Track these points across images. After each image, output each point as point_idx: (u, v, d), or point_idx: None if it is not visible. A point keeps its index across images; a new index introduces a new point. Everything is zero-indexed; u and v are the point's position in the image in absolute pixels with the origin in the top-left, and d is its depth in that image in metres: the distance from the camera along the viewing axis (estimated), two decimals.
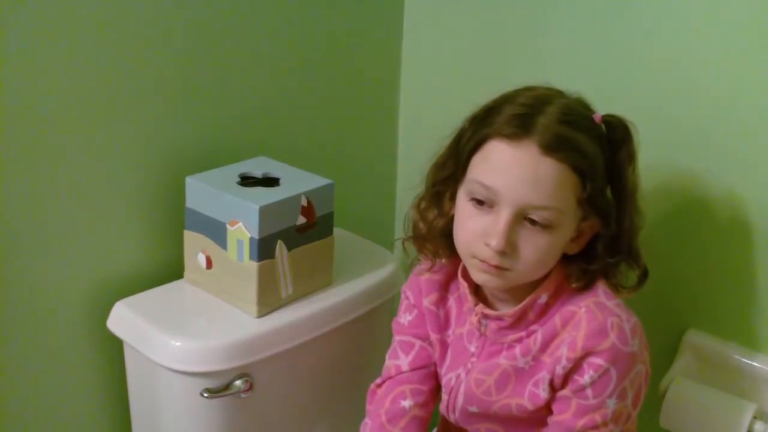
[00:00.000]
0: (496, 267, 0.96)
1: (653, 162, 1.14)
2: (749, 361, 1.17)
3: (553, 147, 0.92)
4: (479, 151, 0.97)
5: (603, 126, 0.99)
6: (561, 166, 0.93)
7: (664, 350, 1.23)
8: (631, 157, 0.99)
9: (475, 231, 0.97)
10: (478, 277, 0.99)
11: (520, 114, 0.94)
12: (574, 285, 1.00)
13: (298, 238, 1.18)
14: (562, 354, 0.97)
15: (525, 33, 1.33)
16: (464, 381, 1.05)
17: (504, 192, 0.94)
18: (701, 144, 1.17)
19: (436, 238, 1.06)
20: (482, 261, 0.96)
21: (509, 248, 0.94)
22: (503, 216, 0.94)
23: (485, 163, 0.96)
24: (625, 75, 1.22)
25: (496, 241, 0.94)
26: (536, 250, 0.95)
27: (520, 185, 0.93)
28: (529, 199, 0.93)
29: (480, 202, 0.96)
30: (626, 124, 1.00)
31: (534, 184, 0.93)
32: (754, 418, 1.13)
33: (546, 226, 0.94)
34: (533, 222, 0.94)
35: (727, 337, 1.20)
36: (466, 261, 1.00)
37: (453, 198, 1.02)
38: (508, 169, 0.94)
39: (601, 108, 1.01)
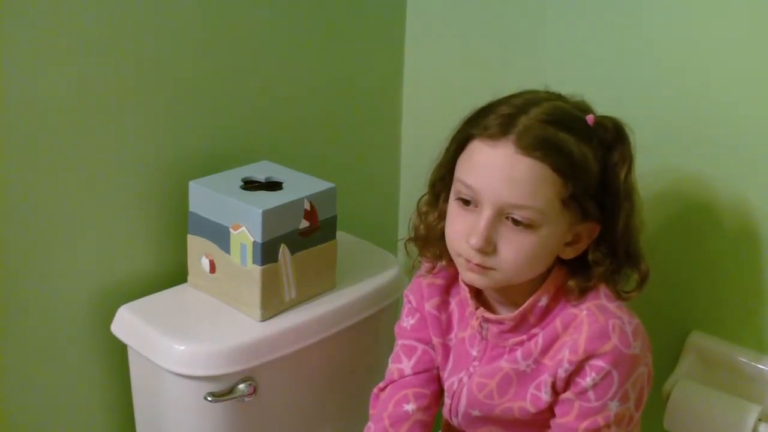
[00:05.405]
0: (479, 266, 0.96)
1: (657, 165, 1.14)
2: (753, 363, 1.17)
3: (530, 146, 0.92)
4: (464, 151, 0.98)
5: (596, 128, 0.97)
6: (539, 165, 0.93)
7: (668, 352, 1.23)
8: (625, 159, 0.98)
9: (461, 230, 0.97)
10: (466, 276, 0.99)
11: (505, 114, 0.95)
12: (572, 291, 0.99)
13: (301, 241, 1.18)
14: (563, 357, 0.97)
15: (527, 37, 1.33)
16: (466, 385, 1.05)
17: (483, 191, 0.94)
18: (706, 147, 1.17)
19: (436, 240, 1.06)
20: (467, 260, 0.97)
21: (489, 247, 0.95)
22: (483, 215, 0.94)
23: (468, 163, 0.97)
24: (629, 78, 1.22)
25: (474, 240, 0.94)
26: (518, 250, 0.95)
27: (497, 184, 0.93)
28: (507, 198, 0.93)
29: (465, 202, 0.97)
30: (619, 126, 0.99)
31: (511, 183, 0.93)
32: (759, 420, 1.12)
33: (527, 226, 0.94)
34: (515, 221, 0.94)
35: (731, 339, 1.20)
36: (455, 260, 1.01)
37: (448, 199, 1.03)
38: (486, 168, 0.95)
39: (603, 112, 1.00)
